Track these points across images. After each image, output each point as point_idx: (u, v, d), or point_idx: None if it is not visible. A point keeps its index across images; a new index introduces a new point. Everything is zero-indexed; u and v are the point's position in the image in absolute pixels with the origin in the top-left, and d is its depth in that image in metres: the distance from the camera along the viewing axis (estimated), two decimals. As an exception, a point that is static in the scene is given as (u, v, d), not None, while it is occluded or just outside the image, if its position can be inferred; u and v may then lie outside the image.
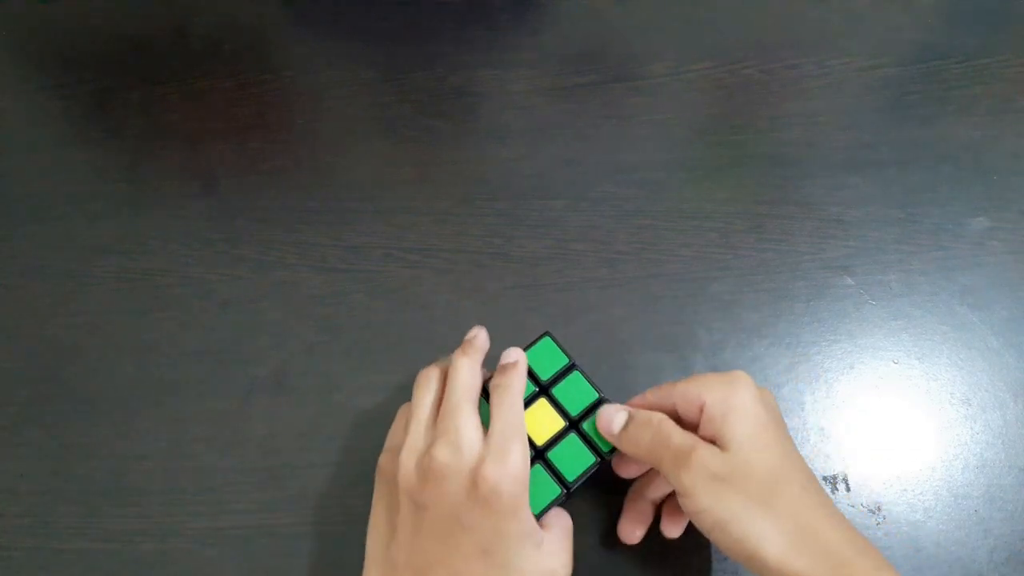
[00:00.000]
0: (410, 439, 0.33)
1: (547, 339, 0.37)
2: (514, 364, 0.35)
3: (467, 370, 0.34)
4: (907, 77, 0.52)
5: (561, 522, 0.34)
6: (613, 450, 0.34)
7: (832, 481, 0.39)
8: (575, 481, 0.34)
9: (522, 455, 0.31)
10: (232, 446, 0.41)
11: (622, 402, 0.35)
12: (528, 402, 0.35)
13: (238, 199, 0.49)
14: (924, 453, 0.40)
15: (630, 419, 0.33)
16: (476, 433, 0.32)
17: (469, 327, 0.43)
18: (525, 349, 0.36)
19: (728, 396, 0.31)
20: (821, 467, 0.40)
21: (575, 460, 0.34)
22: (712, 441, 0.31)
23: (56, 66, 0.55)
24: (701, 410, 0.32)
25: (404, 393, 0.40)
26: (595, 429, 0.35)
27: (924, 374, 0.42)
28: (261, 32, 0.56)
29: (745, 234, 0.46)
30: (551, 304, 0.44)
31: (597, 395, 0.35)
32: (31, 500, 0.40)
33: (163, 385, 0.43)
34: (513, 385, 0.34)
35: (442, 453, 0.31)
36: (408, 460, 0.32)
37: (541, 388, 0.36)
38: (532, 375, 0.36)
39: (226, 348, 0.44)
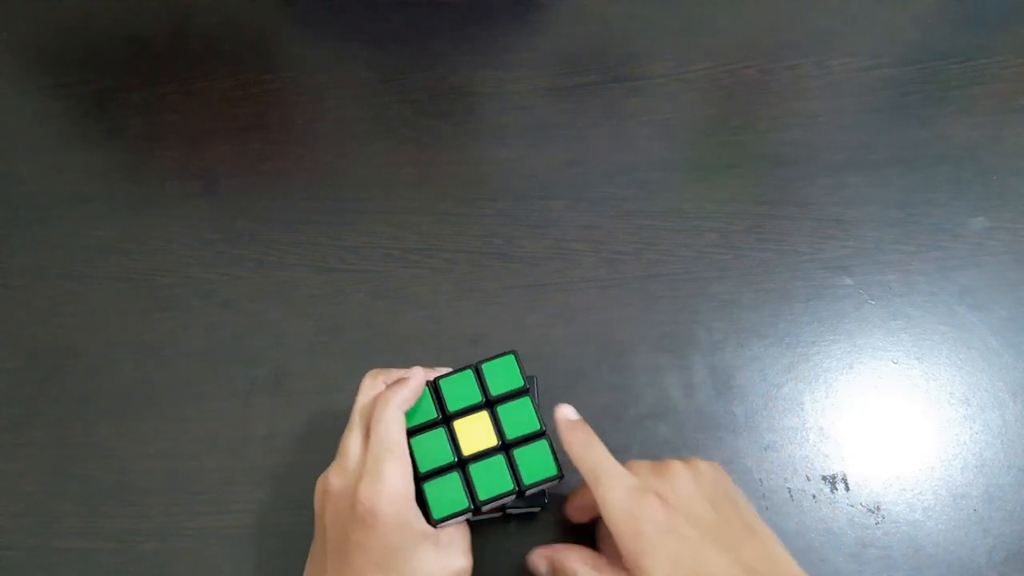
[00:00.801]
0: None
1: (511, 357, 0.36)
2: (403, 380, 0.34)
3: (366, 392, 0.34)
4: (907, 77, 0.52)
5: (457, 528, 0.34)
6: (533, 488, 0.34)
7: (831, 481, 0.39)
8: (486, 502, 0.33)
9: (397, 471, 0.31)
10: (232, 446, 0.41)
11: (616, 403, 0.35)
12: (471, 411, 0.35)
13: (238, 199, 0.49)
14: (923, 453, 0.40)
15: (552, 566, 0.34)
16: (359, 453, 0.32)
17: (469, 327, 0.44)
18: (485, 361, 0.35)
19: (637, 555, 0.29)
20: (820, 467, 0.40)
21: (493, 482, 0.33)
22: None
23: (56, 66, 0.55)
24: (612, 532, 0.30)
25: (404, 393, 0.40)
26: (525, 459, 0.34)
27: (923, 374, 0.42)
28: (261, 32, 0.56)
29: (745, 234, 0.46)
30: (551, 304, 0.44)
31: (539, 427, 0.34)
32: (31, 500, 0.40)
33: (163, 385, 0.43)
34: (391, 400, 0.33)
35: (333, 476, 0.32)
36: (319, 484, 0.34)
37: (487, 401, 0.35)
38: (483, 387, 0.35)
39: (226, 348, 0.44)
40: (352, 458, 0.32)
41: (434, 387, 0.35)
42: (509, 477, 0.33)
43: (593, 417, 0.35)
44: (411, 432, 0.34)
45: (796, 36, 0.54)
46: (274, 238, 0.47)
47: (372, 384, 0.35)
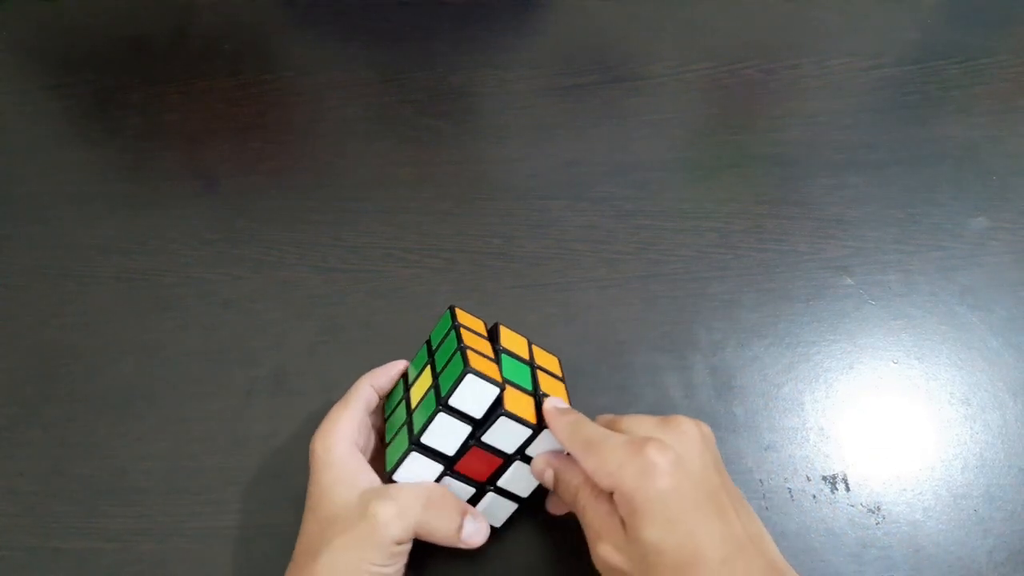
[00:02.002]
0: None
1: (447, 312, 0.35)
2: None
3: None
4: (907, 77, 0.52)
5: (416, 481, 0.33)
6: (452, 397, 0.31)
7: (831, 481, 0.39)
8: (420, 432, 0.31)
9: (344, 417, 0.33)
10: (232, 446, 0.41)
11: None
12: (419, 374, 0.35)
13: (238, 199, 0.49)
14: (923, 453, 0.40)
15: (556, 477, 0.33)
16: None
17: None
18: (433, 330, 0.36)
19: (636, 490, 0.27)
20: (821, 467, 0.40)
21: (425, 413, 0.32)
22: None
23: (56, 66, 0.55)
24: (611, 490, 0.29)
25: (404, 393, 0.40)
26: (446, 379, 0.32)
27: (924, 374, 0.42)
28: (261, 32, 0.56)
29: (745, 234, 0.46)
30: (551, 304, 0.44)
31: (455, 345, 0.33)
32: (31, 500, 0.40)
33: (163, 385, 0.43)
34: (367, 375, 0.36)
35: None
36: None
37: (431, 356, 0.35)
38: (429, 350, 0.35)
39: (226, 348, 0.44)
40: None
41: (404, 375, 0.37)
42: (434, 400, 0.32)
43: (593, 417, 0.34)
44: (387, 419, 0.36)
45: (796, 36, 0.54)
46: (274, 238, 0.47)
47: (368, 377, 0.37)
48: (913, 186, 0.48)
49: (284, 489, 0.40)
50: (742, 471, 0.39)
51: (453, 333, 0.34)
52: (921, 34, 0.54)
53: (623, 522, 0.28)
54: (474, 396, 0.31)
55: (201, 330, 0.44)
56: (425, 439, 0.32)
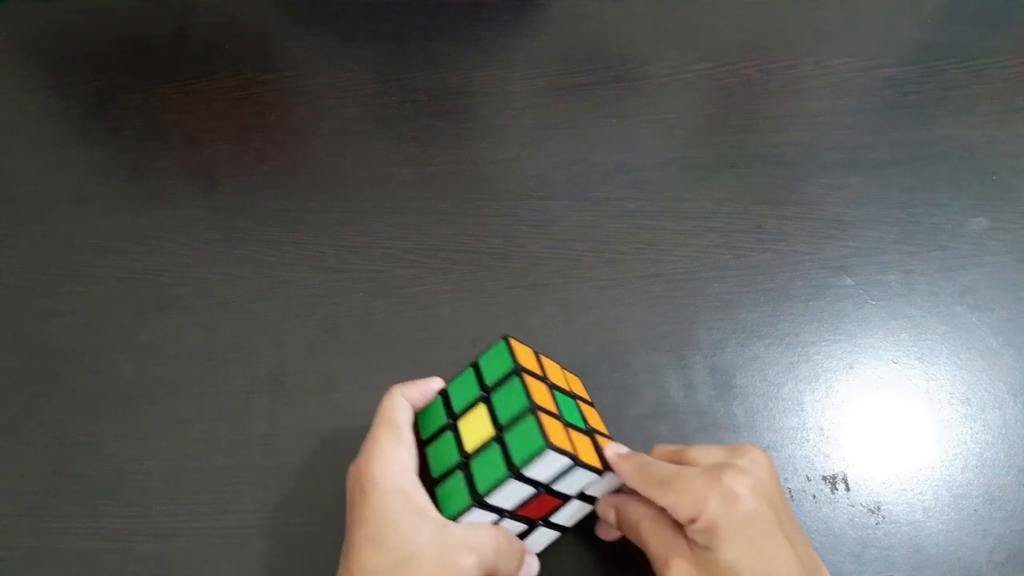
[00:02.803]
0: None
1: (501, 343, 0.34)
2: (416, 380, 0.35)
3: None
4: (907, 77, 0.52)
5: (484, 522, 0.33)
6: (527, 468, 0.31)
7: (832, 481, 0.39)
8: (487, 493, 0.31)
9: (392, 439, 0.31)
10: (232, 446, 0.41)
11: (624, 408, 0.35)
12: (472, 407, 0.34)
13: (238, 199, 0.49)
14: (924, 453, 0.40)
15: (617, 513, 0.33)
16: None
17: (469, 327, 0.44)
18: (482, 354, 0.34)
19: (720, 516, 0.28)
20: (821, 467, 0.40)
21: (491, 471, 0.31)
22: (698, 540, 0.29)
23: (56, 66, 0.55)
24: (693, 519, 0.29)
25: (404, 393, 0.40)
26: (514, 439, 0.31)
27: (924, 374, 0.42)
28: (261, 32, 0.56)
29: (745, 234, 0.46)
30: (551, 304, 0.44)
31: (526, 403, 0.31)
32: (31, 500, 0.40)
33: (163, 385, 0.43)
34: (394, 389, 0.34)
35: (352, 465, 0.32)
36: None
37: (485, 393, 0.34)
38: (480, 380, 0.34)
39: (226, 348, 0.44)
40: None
41: (443, 395, 0.35)
42: (503, 462, 0.31)
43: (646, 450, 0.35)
44: (426, 442, 0.34)
45: (796, 36, 0.54)
46: (274, 238, 0.47)
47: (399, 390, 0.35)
48: (913, 186, 0.48)
49: (284, 489, 0.40)
50: (742, 471, 0.39)
51: (518, 382, 0.32)
52: (921, 34, 0.54)
53: (690, 544, 0.29)
54: (547, 466, 0.31)
55: (201, 330, 0.44)
56: (491, 499, 0.31)
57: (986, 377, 0.42)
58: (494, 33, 0.55)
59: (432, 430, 0.34)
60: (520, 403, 0.32)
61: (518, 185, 0.49)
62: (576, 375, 0.38)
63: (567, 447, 0.31)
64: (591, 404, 0.37)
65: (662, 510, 0.31)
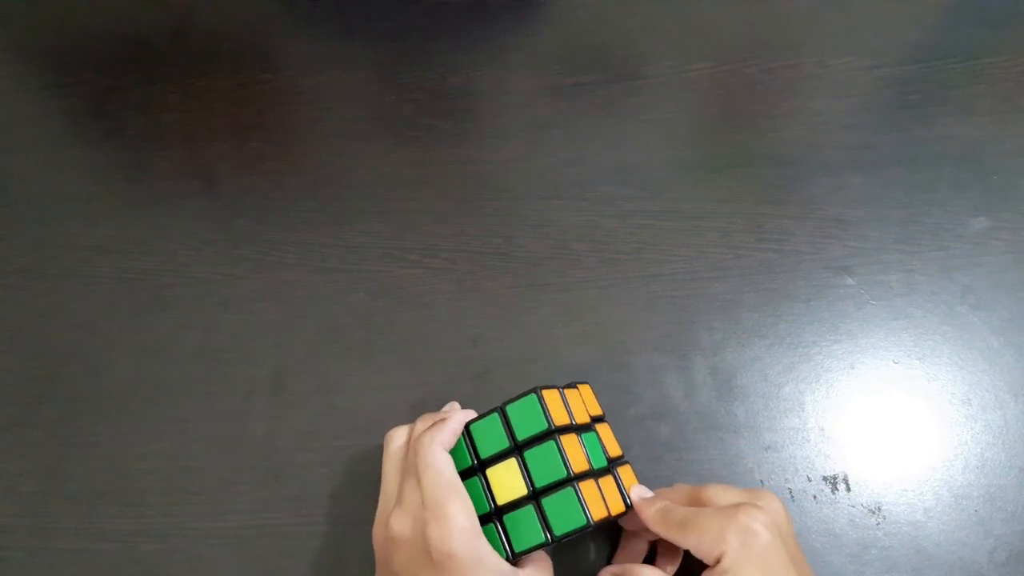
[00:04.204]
0: (380, 508, 0.34)
1: (532, 398, 0.33)
2: (441, 421, 0.34)
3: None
4: (908, 77, 0.52)
5: (536, 556, 0.33)
6: (565, 538, 0.32)
7: (832, 481, 0.39)
8: (521, 553, 0.32)
9: (461, 509, 0.31)
10: (232, 446, 0.41)
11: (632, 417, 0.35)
12: (501, 457, 0.34)
13: (238, 199, 0.49)
14: (924, 453, 0.40)
15: None
16: (419, 498, 0.32)
17: (469, 327, 0.44)
18: (510, 403, 0.34)
19: (739, 549, 0.30)
20: (821, 467, 0.40)
21: (526, 532, 0.32)
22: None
23: (56, 66, 0.55)
24: (718, 559, 0.31)
25: (404, 393, 0.40)
26: (553, 508, 0.32)
27: (925, 374, 0.42)
28: (261, 32, 0.56)
29: (745, 234, 0.46)
30: (551, 304, 0.44)
31: (565, 473, 0.32)
32: (31, 500, 0.40)
33: (163, 385, 0.43)
34: (431, 441, 0.33)
35: (398, 523, 0.31)
36: (379, 532, 0.33)
37: (516, 447, 0.34)
38: (509, 431, 0.34)
39: (226, 348, 0.44)
40: (414, 503, 0.32)
41: (467, 432, 0.35)
42: (540, 528, 0.32)
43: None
44: None
45: (796, 36, 0.54)
46: (274, 238, 0.47)
47: (419, 426, 0.35)
48: (914, 186, 0.47)
49: (284, 489, 0.40)
50: (742, 471, 0.39)
51: (553, 447, 0.32)
52: (922, 34, 0.54)
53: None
54: (584, 530, 0.32)
55: (200, 330, 0.44)
56: (523, 555, 0.33)
57: (987, 377, 0.42)
58: (494, 33, 0.55)
59: (457, 468, 0.33)
60: (558, 471, 0.32)
61: (518, 185, 0.48)
62: (584, 382, 0.38)
63: (603, 512, 0.32)
64: (604, 418, 0.38)
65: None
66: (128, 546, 0.39)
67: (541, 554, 0.34)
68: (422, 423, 0.35)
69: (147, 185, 0.50)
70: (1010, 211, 0.47)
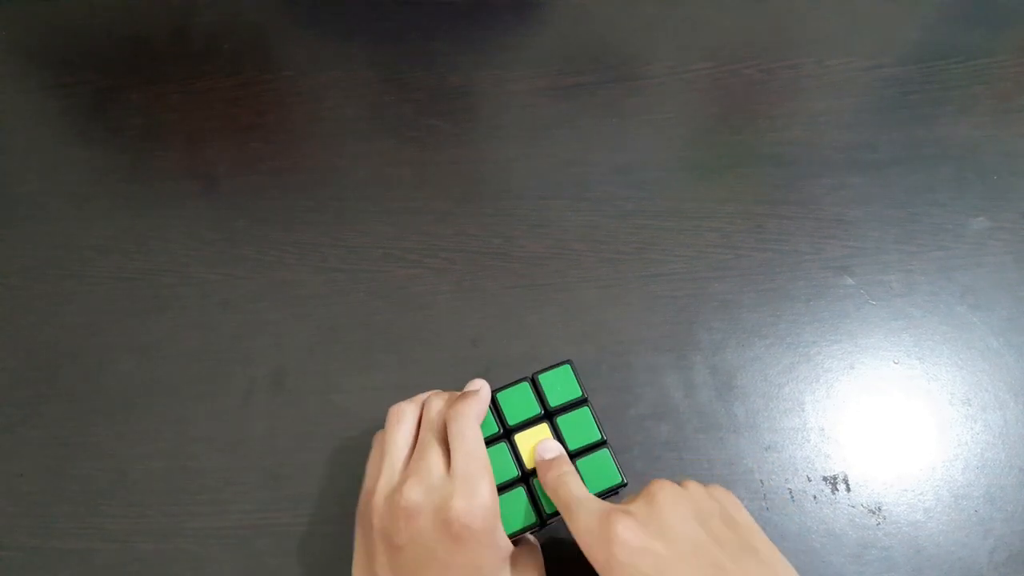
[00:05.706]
0: (383, 480, 0.33)
1: (567, 367, 0.36)
2: (474, 392, 0.34)
3: (441, 408, 0.34)
4: (908, 77, 0.52)
5: (525, 541, 0.34)
6: (601, 497, 0.33)
7: (832, 481, 0.39)
8: (552, 515, 0.33)
9: (489, 487, 0.31)
10: (232, 446, 0.41)
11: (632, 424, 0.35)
12: (531, 423, 0.35)
13: (238, 199, 0.49)
14: (924, 453, 0.40)
15: None
16: (444, 469, 0.32)
17: (469, 327, 0.44)
18: (542, 372, 0.36)
19: (607, 559, 0.28)
20: (822, 467, 0.40)
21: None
22: None
23: (56, 66, 0.55)
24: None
25: (404, 393, 0.40)
26: (588, 469, 0.34)
27: (924, 374, 0.42)
28: (261, 32, 0.56)
29: (745, 234, 0.46)
30: (551, 304, 0.44)
31: (600, 436, 0.35)
32: (31, 500, 0.40)
33: (163, 385, 0.43)
34: (468, 413, 0.33)
35: (413, 492, 0.31)
36: (381, 502, 0.32)
37: (547, 413, 0.35)
38: (541, 398, 0.36)
39: (226, 348, 0.44)
40: (436, 474, 0.32)
41: (492, 400, 0.36)
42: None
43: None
44: None
45: (796, 36, 0.54)
46: (274, 238, 0.47)
47: (436, 401, 0.35)
48: (914, 186, 0.47)
49: (284, 489, 0.40)
50: (743, 472, 0.39)
51: (587, 412, 0.35)
52: (922, 34, 0.54)
53: None
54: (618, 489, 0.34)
55: (200, 330, 0.44)
56: (554, 517, 0.33)
57: (987, 377, 0.42)
58: (494, 33, 0.55)
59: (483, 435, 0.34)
60: (592, 434, 0.35)
61: (518, 185, 0.48)
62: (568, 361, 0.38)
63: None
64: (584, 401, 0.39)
65: None
66: (128, 546, 0.39)
67: (530, 539, 0.34)
68: (438, 398, 0.35)
69: (147, 185, 0.50)
70: (1010, 211, 0.47)
